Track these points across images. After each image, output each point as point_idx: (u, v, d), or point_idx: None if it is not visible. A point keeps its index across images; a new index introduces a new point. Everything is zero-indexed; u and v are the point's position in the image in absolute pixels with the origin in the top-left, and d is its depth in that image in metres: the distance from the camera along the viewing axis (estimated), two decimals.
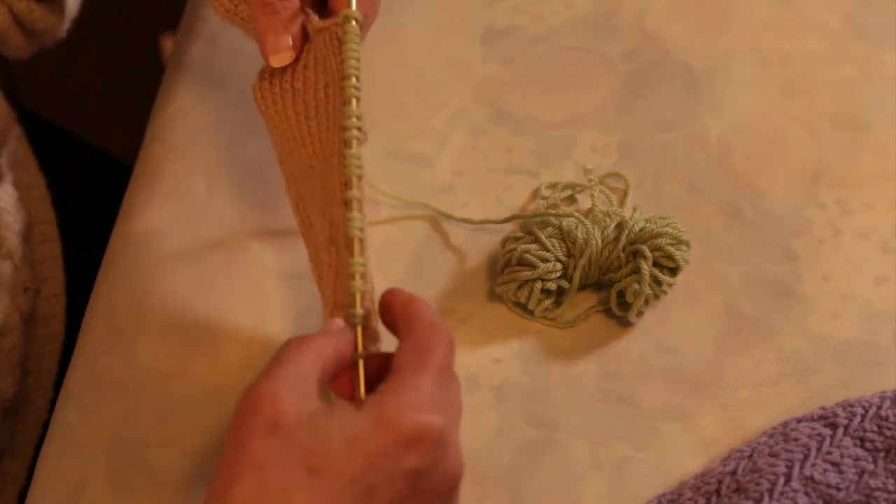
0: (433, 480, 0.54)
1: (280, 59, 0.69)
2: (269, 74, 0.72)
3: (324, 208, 0.68)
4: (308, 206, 0.71)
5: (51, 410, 0.80)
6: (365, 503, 0.51)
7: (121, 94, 1.33)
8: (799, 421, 0.71)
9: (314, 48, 0.70)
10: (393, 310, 0.61)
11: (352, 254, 0.61)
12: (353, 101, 0.65)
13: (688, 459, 0.72)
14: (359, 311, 0.60)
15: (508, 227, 0.79)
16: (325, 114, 0.70)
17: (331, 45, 0.68)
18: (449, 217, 0.80)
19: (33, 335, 0.85)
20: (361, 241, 0.62)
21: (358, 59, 0.67)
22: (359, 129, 0.65)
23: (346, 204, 0.63)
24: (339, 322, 0.60)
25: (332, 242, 0.66)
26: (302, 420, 0.54)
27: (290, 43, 0.69)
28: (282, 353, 0.57)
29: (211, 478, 0.58)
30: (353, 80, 0.66)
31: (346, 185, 0.63)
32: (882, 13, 0.90)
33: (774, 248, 0.79)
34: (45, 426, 0.84)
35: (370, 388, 0.58)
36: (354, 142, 0.64)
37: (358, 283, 0.61)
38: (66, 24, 0.87)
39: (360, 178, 0.63)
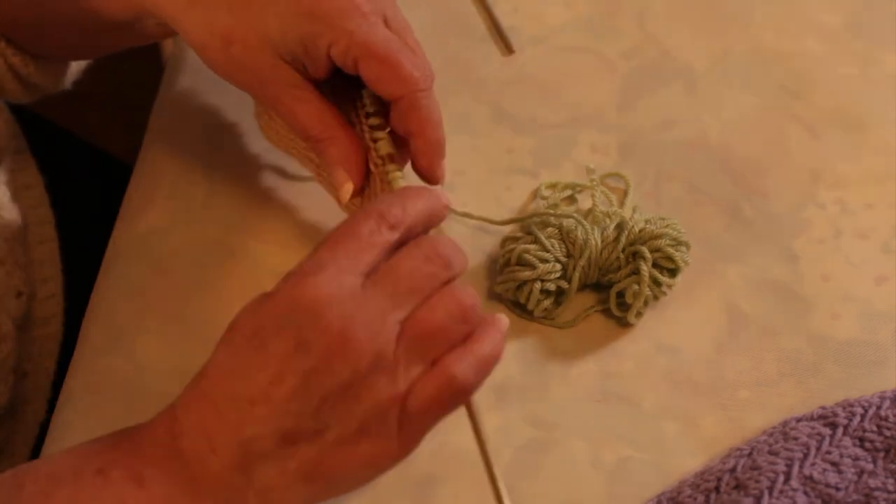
0: (315, 333, 0.62)
1: (346, 192, 0.73)
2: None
3: None
4: None
5: (49, 411, 0.80)
6: (260, 351, 0.61)
7: (121, 94, 1.33)
8: (798, 420, 0.71)
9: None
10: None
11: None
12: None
13: (688, 459, 0.72)
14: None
15: (508, 228, 0.79)
16: None
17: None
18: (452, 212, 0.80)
19: (31, 337, 0.85)
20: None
21: None
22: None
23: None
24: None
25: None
26: None
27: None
28: (326, 253, 0.62)
29: None
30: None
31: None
32: (882, 13, 0.90)
33: (774, 248, 0.79)
34: (43, 426, 0.83)
35: None
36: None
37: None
38: (66, 82, 0.86)
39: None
